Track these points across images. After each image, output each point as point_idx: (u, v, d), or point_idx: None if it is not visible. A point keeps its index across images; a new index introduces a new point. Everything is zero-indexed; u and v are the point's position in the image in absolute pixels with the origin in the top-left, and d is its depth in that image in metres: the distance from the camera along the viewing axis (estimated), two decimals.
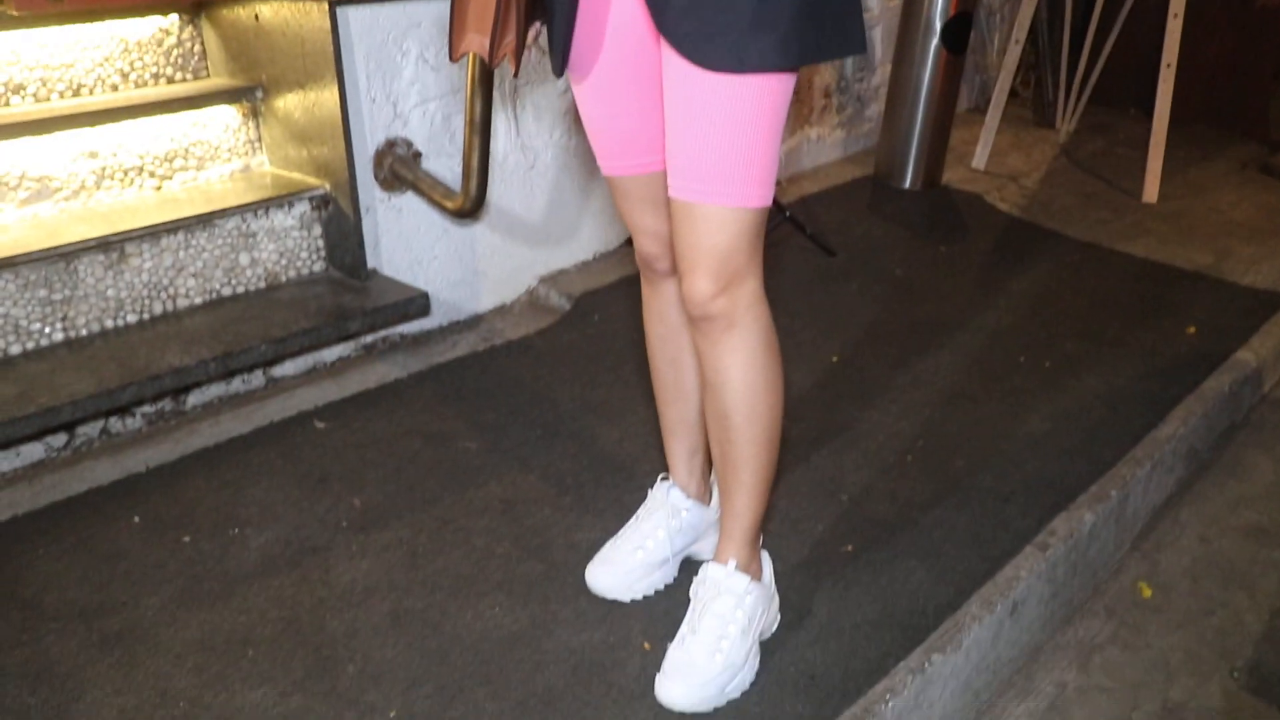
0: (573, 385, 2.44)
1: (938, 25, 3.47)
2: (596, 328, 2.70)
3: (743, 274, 1.39)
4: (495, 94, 2.60)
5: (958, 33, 3.51)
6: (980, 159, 3.93)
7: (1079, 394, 2.40)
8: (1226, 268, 3.12)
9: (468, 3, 1.38)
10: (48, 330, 2.22)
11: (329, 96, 2.36)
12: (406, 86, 2.44)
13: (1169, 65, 3.67)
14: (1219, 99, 4.63)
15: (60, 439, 2.19)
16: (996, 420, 2.30)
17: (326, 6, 2.28)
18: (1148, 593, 2.06)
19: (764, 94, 1.31)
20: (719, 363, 1.44)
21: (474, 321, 2.77)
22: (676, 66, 1.33)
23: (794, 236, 3.15)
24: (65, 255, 2.20)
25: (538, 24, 1.47)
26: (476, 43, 1.39)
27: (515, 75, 1.49)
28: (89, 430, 2.22)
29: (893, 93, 3.66)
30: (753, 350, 1.43)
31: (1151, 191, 3.68)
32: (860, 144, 4.11)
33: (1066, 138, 4.35)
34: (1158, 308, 2.85)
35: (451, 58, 1.40)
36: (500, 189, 2.68)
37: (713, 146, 1.32)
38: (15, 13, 2.30)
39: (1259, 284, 3.00)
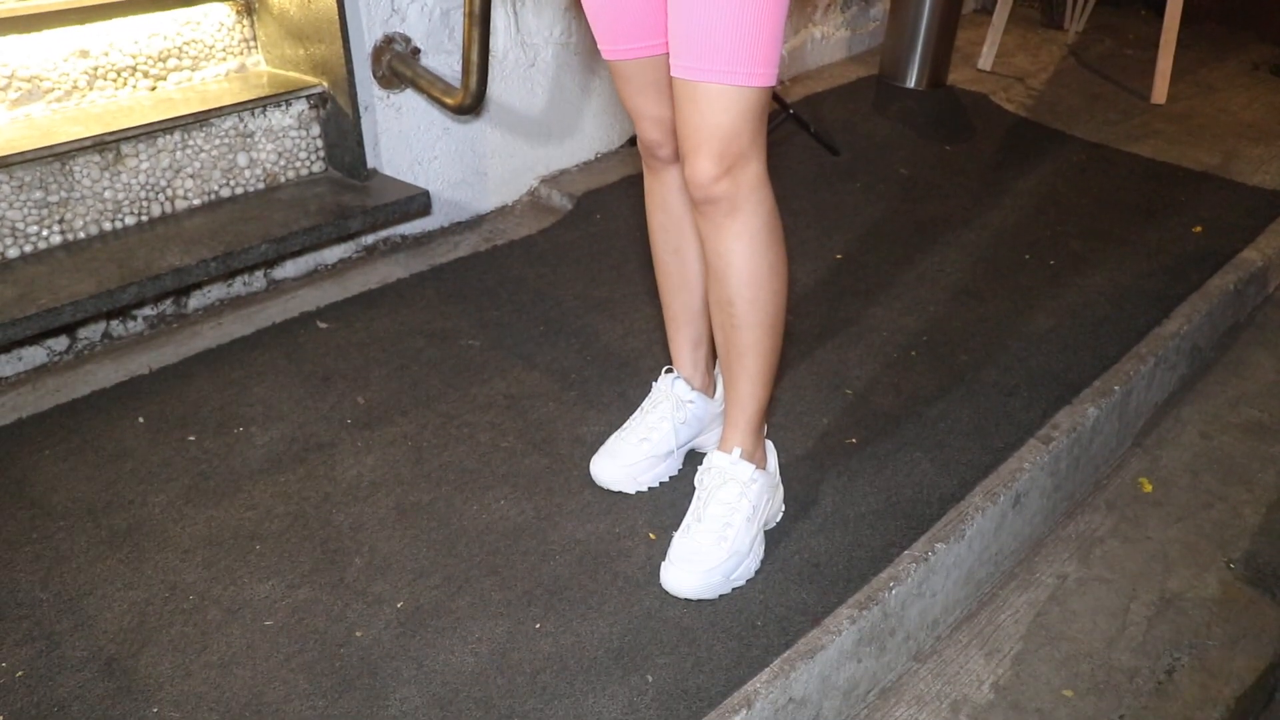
0: (575, 283, 2.42)
1: None
2: (599, 226, 2.68)
3: (746, 156, 1.37)
4: None
5: None
6: (986, 60, 3.85)
7: (1084, 291, 2.39)
8: (1234, 168, 3.09)
9: None
10: (45, 233, 2.20)
11: None
12: None
13: None
14: None
15: (62, 343, 2.19)
16: (1001, 316, 2.29)
17: None
18: (1148, 487, 2.07)
19: None
20: (722, 246, 1.43)
21: (476, 222, 2.74)
22: None
23: (798, 135, 3.11)
24: (60, 156, 2.17)
25: None
26: None
27: None
28: (90, 334, 2.22)
29: None
30: (756, 233, 1.41)
31: (1160, 92, 3.62)
32: (865, 44, 4.04)
33: (1075, 39, 4.27)
34: (1164, 207, 2.82)
35: None
36: (500, 87, 2.63)
37: (716, 24, 1.29)
38: None
39: (1267, 184, 2.97)
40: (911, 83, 3.62)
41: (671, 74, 1.36)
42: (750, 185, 1.39)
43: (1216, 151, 3.21)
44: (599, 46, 1.55)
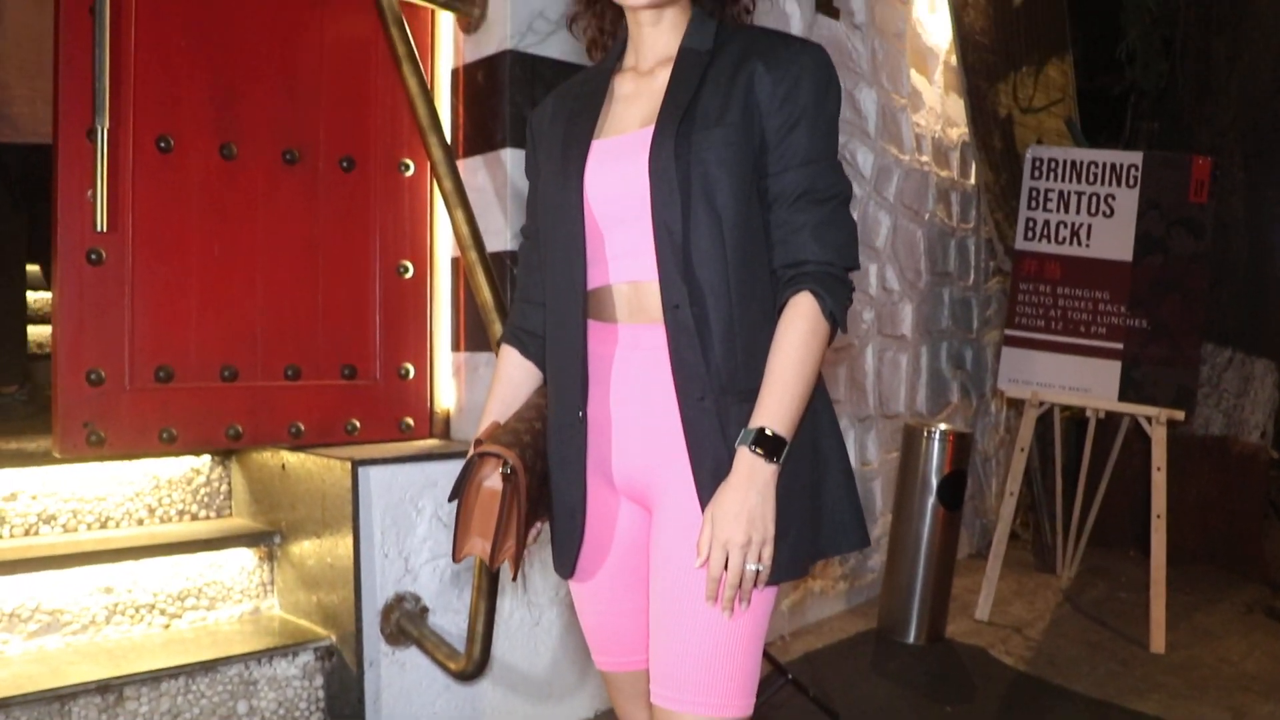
0: None
1: (934, 483, 3.61)
2: None
3: None
4: None
5: (953, 490, 3.65)
6: (983, 610, 3.93)
7: None
8: None
9: (472, 507, 1.48)
10: None
11: (344, 549, 2.43)
12: (419, 543, 2.52)
13: (1159, 516, 3.78)
14: (1213, 539, 4.71)
15: None
16: None
17: (349, 465, 2.42)
18: None
19: (752, 604, 1.37)
20: None
21: None
22: (666, 575, 1.41)
23: (796, 698, 3.10)
24: (62, 697, 2.19)
25: (538, 525, 1.57)
26: (479, 546, 1.47)
27: (514, 579, 1.57)
28: None
29: (893, 546, 3.74)
30: None
31: (1158, 641, 3.66)
32: (863, 595, 4.13)
33: (1068, 583, 4.38)
34: None
35: (455, 559, 1.48)
36: (504, 644, 2.68)
37: (694, 656, 1.37)
38: (59, 454, 2.44)
39: None
40: (911, 637, 3.66)
41: (650, 699, 1.41)
42: None
43: (1224, 708, 3.18)
44: (593, 656, 1.62)
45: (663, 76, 1.47)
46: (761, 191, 1.41)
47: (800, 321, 1.37)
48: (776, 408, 1.34)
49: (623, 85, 1.53)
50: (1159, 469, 3.79)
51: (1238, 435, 4.79)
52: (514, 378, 1.61)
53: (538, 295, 1.58)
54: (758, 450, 1.33)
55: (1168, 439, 3.83)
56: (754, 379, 1.38)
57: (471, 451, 1.47)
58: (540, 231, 1.55)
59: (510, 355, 1.62)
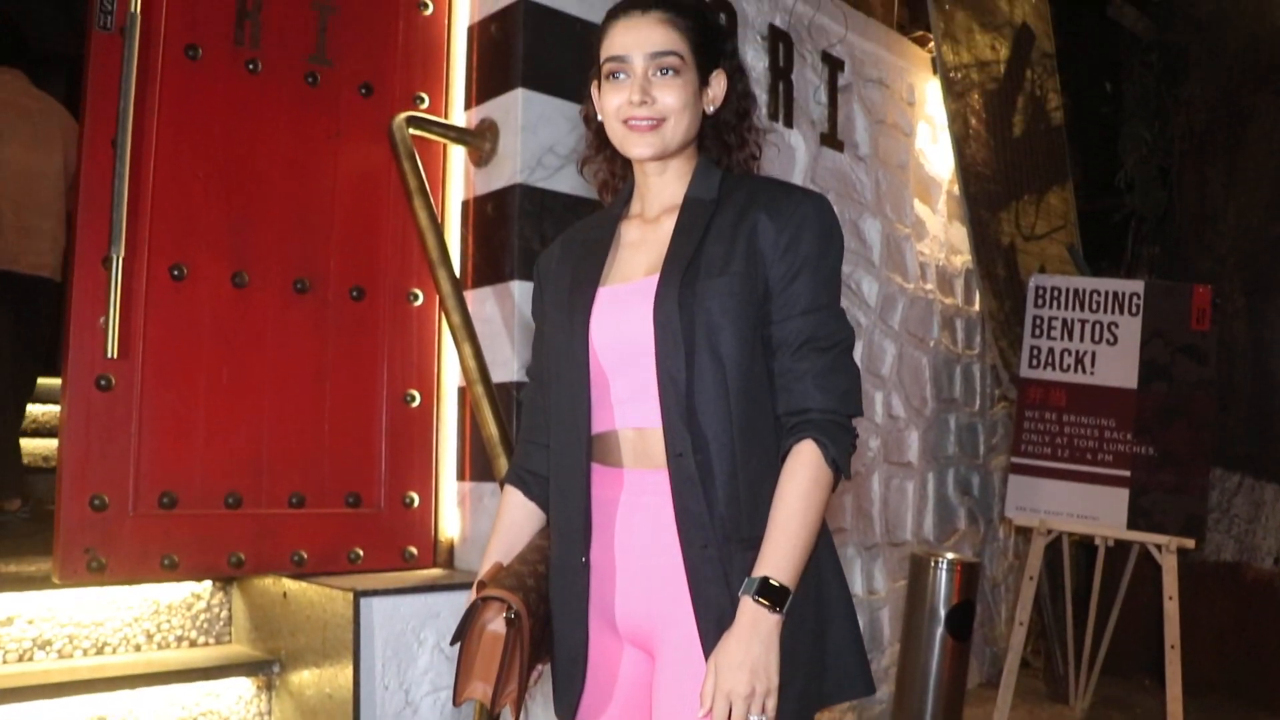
0: None
1: (942, 613, 3.57)
2: None
3: None
4: None
5: (962, 620, 3.59)
6: None
7: None
8: None
9: (475, 651, 1.47)
10: None
11: (344, 679, 2.39)
12: (420, 675, 2.49)
13: (1172, 646, 3.71)
14: (1230, 668, 4.60)
15: None
16: None
17: (351, 595, 2.39)
18: None
19: None
20: None
21: None
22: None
23: None
24: None
25: (539, 668, 1.55)
26: (480, 690, 1.46)
27: None
28: None
29: (902, 677, 3.67)
30: None
31: None
32: None
33: (1082, 714, 4.27)
34: None
35: (455, 703, 1.46)
36: None
37: None
38: (59, 580, 2.42)
39: None
40: None
41: None
42: None
43: None
44: None
45: (668, 224, 1.50)
46: (765, 339, 1.43)
47: (803, 470, 1.37)
48: (780, 557, 1.34)
49: (629, 232, 1.56)
50: (1170, 598, 3.74)
51: (1250, 561, 4.72)
52: (517, 519, 1.61)
53: (542, 437, 1.59)
54: (761, 600, 1.32)
55: (1179, 566, 3.78)
56: (757, 527, 1.37)
57: (474, 595, 1.46)
58: (545, 374, 1.57)
59: (513, 496, 1.62)
